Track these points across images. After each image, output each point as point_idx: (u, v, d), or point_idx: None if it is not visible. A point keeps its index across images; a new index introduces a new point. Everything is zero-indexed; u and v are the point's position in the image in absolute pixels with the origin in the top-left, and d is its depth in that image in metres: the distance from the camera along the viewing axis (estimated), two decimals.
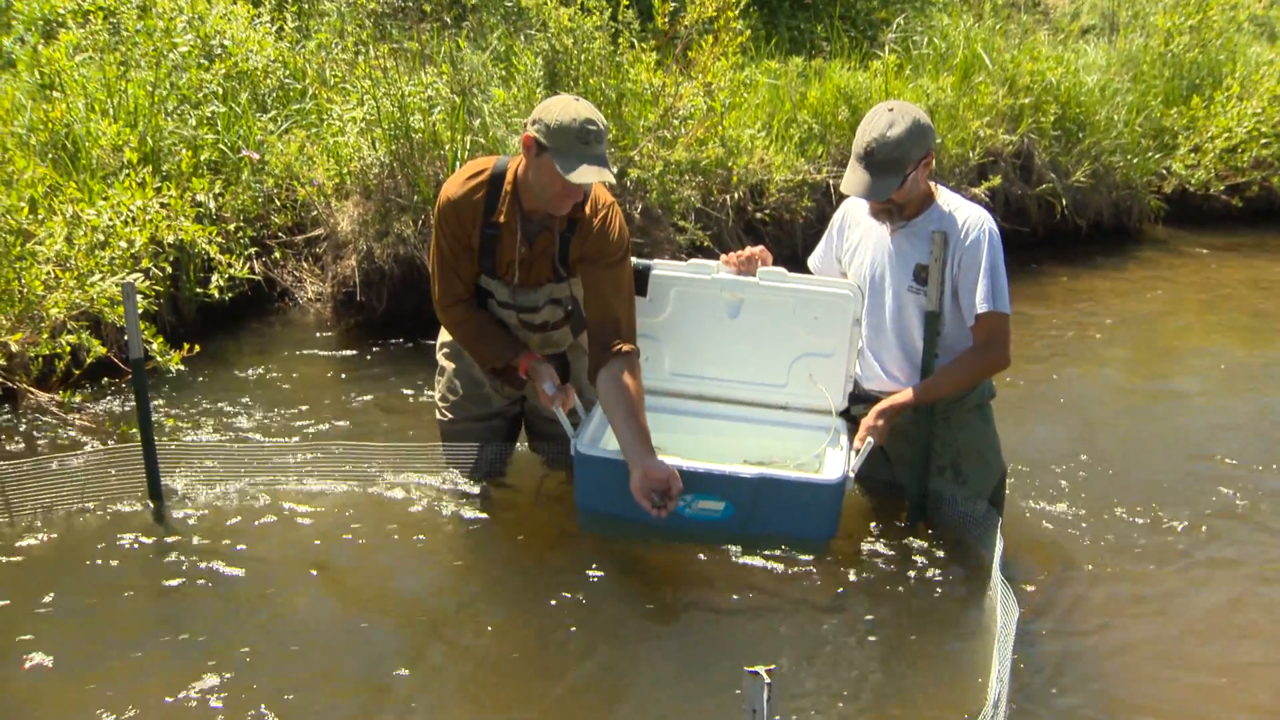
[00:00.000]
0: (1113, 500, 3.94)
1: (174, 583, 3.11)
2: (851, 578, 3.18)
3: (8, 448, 4.08)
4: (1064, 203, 7.74)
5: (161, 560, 3.23)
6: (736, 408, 3.63)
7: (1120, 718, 2.80)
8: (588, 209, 3.26)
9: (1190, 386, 5.43)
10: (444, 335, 3.65)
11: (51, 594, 3.01)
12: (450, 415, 3.64)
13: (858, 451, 3.30)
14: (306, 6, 7.25)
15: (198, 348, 4.36)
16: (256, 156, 5.77)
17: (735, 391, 3.62)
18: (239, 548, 3.27)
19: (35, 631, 2.85)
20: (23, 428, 4.26)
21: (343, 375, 5.09)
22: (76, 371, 4.43)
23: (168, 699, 2.63)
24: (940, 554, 3.29)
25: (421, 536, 3.38)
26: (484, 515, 3.48)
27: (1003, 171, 7.45)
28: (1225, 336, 6.23)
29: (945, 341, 3.29)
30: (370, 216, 5.56)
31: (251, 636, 2.88)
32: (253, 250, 5.66)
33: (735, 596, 3.10)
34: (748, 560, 3.20)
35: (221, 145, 5.77)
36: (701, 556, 3.21)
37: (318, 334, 5.64)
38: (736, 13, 6.02)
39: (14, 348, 4.24)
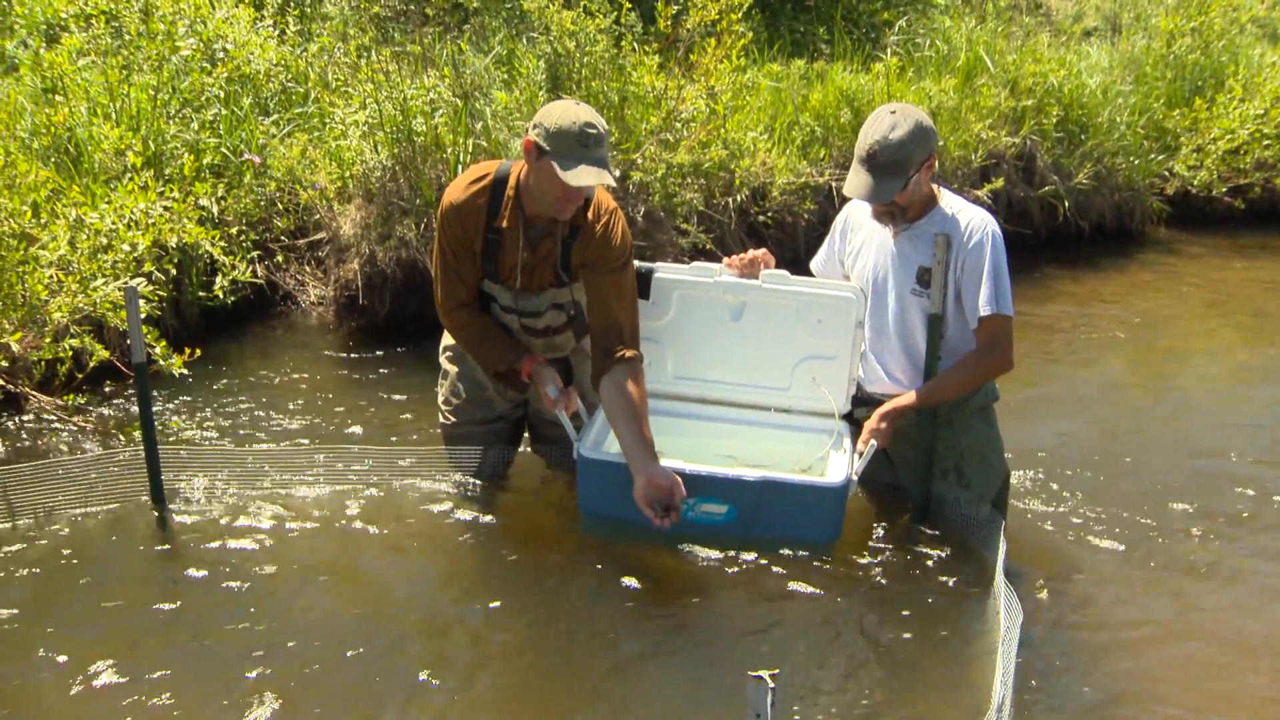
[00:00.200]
0: (1117, 502, 3.94)
1: (176, 586, 3.10)
2: (854, 581, 3.18)
3: (10, 451, 4.09)
4: (1066, 205, 7.74)
5: (163, 564, 3.23)
6: (739, 411, 3.63)
7: None
8: (590, 214, 3.25)
9: (1194, 388, 5.42)
10: (447, 339, 3.65)
11: (53, 598, 3.01)
12: (453, 419, 3.64)
13: (860, 454, 3.29)
14: (309, 10, 7.25)
15: (200, 351, 4.36)
16: (259, 160, 5.77)
17: (738, 394, 3.62)
18: (241, 551, 3.27)
19: (37, 635, 2.85)
20: (25, 431, 4.26)
21: (345, 379, 5.08)
22: (79, 375, 4.44)
23: (169, 702, 2.62)
24: (943, 557, 3.28)
25: (423, 540, 3.38)
26: (486, 518, 3.48)
27: (1005, 174, 7.45)
28: (1229, 338, 6.22)
29: (948, 344, 3.29)
30: (372, 220, 5.57)
31: (252, 640, 2.87)
32: (255, 254, 5.66)
33: (738, 600, 3.09)
34: (751, 564, 3.19)
35: (224, 149, 5.77)
36: (704, 560, 3.21)
37: (320, 338, 5.64)
38: (739, 15, 6.02)
39: (16, 350, 4.24)
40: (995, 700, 2.49)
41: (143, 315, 3.60)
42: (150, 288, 4.64)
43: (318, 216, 5.85)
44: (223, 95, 5.95)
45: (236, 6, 6.59)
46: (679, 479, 3.08)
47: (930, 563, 3.26)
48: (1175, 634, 3.20)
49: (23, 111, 5.35)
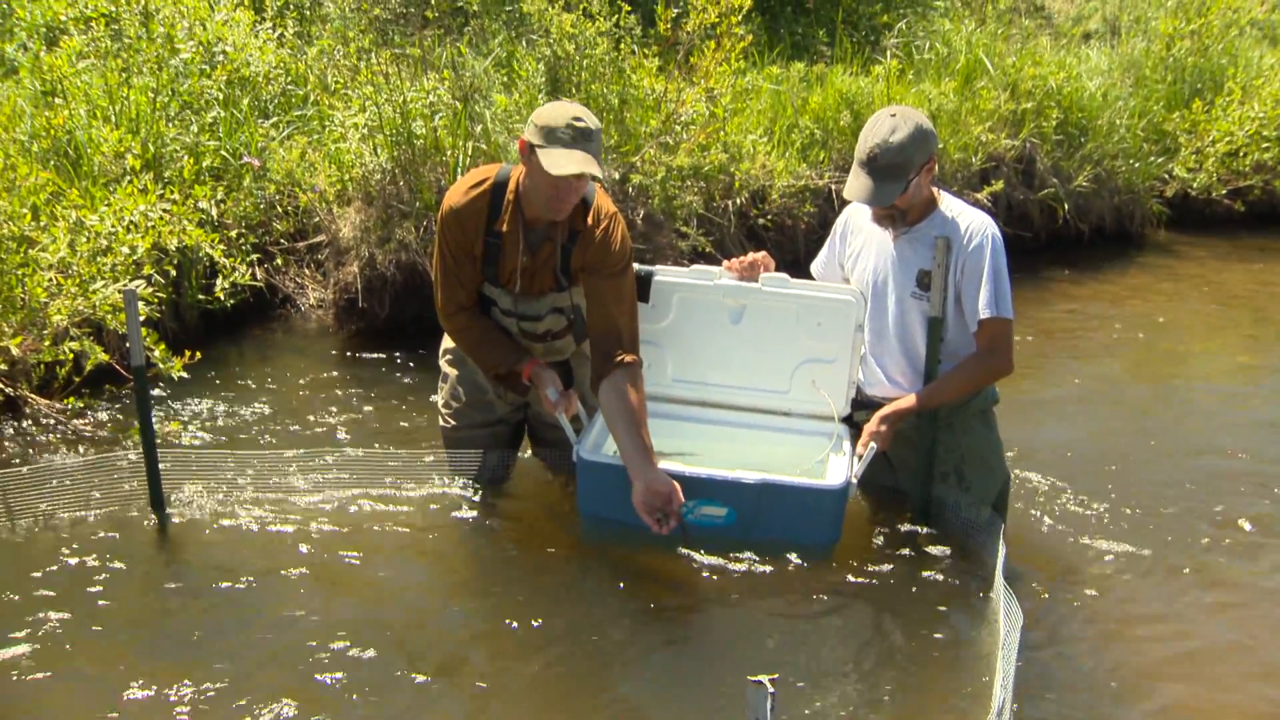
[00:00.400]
0: (1117, 506, 3.93)
1: (175, 590, 3.10)
2: (854, 584, 3.17)
3: (9, 455, 4.08)
4: (1066, 207, 7.74)
5: (162, 567, 3.23)
6: (739, 414, 3.62)
7: None
8: (590, 219, 3.25)
9: (1194, 389, 5.42)
10: (447, 342, 3.64)
11: (52, 601, 3.01)
12: (453, 422, 3.64)
13: (860, 457, 3.29)
14: (309, 13, 7.25)
15: (199, 354, 4.35)
16: (258, 163, 5.77)
17: (738, 397, 3.62)
18: (240, 555, 3.27)
19: (36, 639, 2.84)
20: (24, 435, 4.25)
21: (344, 382, 5.08)
22: (77, 379, 4.43)
23: (168, 706, 2.62)
24: (943, 560, 3.28)
25: (423, 543, 3.37)
26: (486, 522, 3.48)
27: (1005, 176, 7.45)
28: (1229, 340, 6.22)
29: (948, 347, 3.29)
30: (372, 223, 5.56)
31: (251, 644, 2.87)
32: (255, 257, 5.66)
33: (738, 603, 3.09)
34: (750, 567, 3.19)
35: (223, 152, 5.77)
36: (704, 563, 3.20)
37: (319, 341, 5.64)
38: (738, 18, 6.02)
39: (16, 354, 4.24)
40: (995, 704, 2.49)
41: (142, 318, 3.60)
42: (150, 289, 4.63)
43: (317, 219, 5.85)
44: (222, 98, 5.95)
45: (236, 9, 6.59)
46: (677, 485, 3.08)
47: (930, 566, 3.25)
48: (1176, 637, 3.20)
49: (22, 114, 5.35)
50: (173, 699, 2.64)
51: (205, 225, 5.09)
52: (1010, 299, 3.23)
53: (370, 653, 2.84)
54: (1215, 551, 3.68)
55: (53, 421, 4.33)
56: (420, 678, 2.76)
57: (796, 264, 4.81)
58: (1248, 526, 3.85)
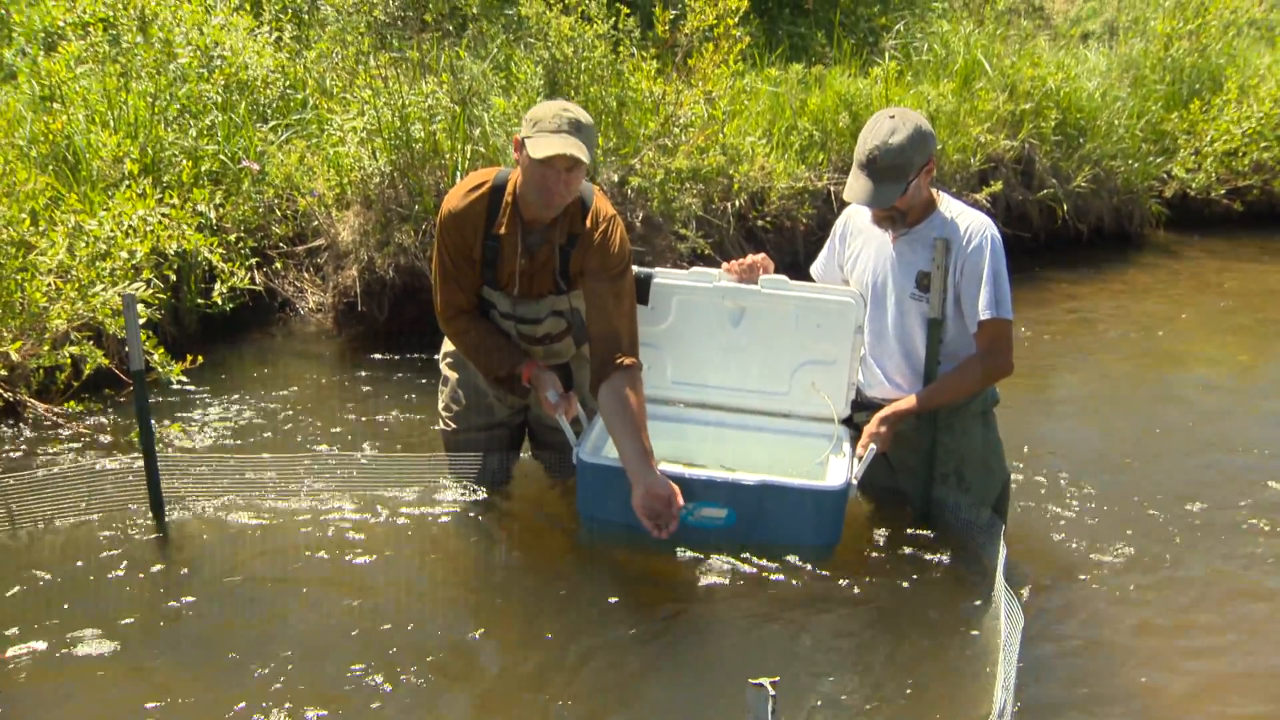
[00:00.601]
0: (1117, 506, 3.93)
1: (174, 594, 3.10)
2: (854, 586, 3.17)
3: (9, 460, 4.08)
4: (1065, 208, 7.74)
5: (162, 572, 3.22)
6: (739, 416, 3.62)
7: None
8: (588, 221, 3.25)
9: (1194, 391, 5.42)
10: (447, 345, 3.64)
11: (51, 606, 3.00)
12: (454, 425, 3.63)
13: (860, 459, 3.29)
14: (307, 16, 7.25)
15: (199, 359, 4.35)
16: (257, 167, 5.77)
17: (737, 399, 3.61)
18: (239, 558, 3.26)
19: (36, 643, 2.84)
20: (24, 440, 4.25)
21: (344, 385, 5.08)
22: (76, 383, 4.43)
23: (168, 709, 2.62)
24: (944, 561, 3.28)
25: (423, 547, 3.37)
26: (487, 525, 3.48)
27: (1004, 177, 7.45)
28: (1228, 340, 6.22)
29: (948, 348, 3.29)
30: (371, 226, 5.56)
31: (250, 648, 2.86)
32: (254, 261, 5.66)
33: (738, 606, 3.08)
34: (750, 569, 3.19)
35: (222, 156, 5.77)
36: (704, 565, 3.20)
37: (319, 344, 5.64)
38: (736, 20, 6.02)
39: (15, 356, 4.24)
40: (997, 706, 2.49)
41: (141, 322, 3.60)
42: (149, 291, 4.63)
43: (316, 223, 5.85)
44: (220, 102, 5.95)
45: (235, 13, 6.59)
46: (677, 489, 3.07)
47: (930, 567, 3.25)
48: (1178, 637, 3.20)
49: (21, 119, 5.35)
50: (172, 702, 2.64)
51: (204, 229, 5.10)
52: (1010, 300, 3.22)
53: (370, 655, 2.84)
54: (1216, 550, 3.68)
55: (53, 426, 4.33)
56: (420, 680, 2.76)
57: (795, 265, 4.81)
58: (1248, 526, 3.85)
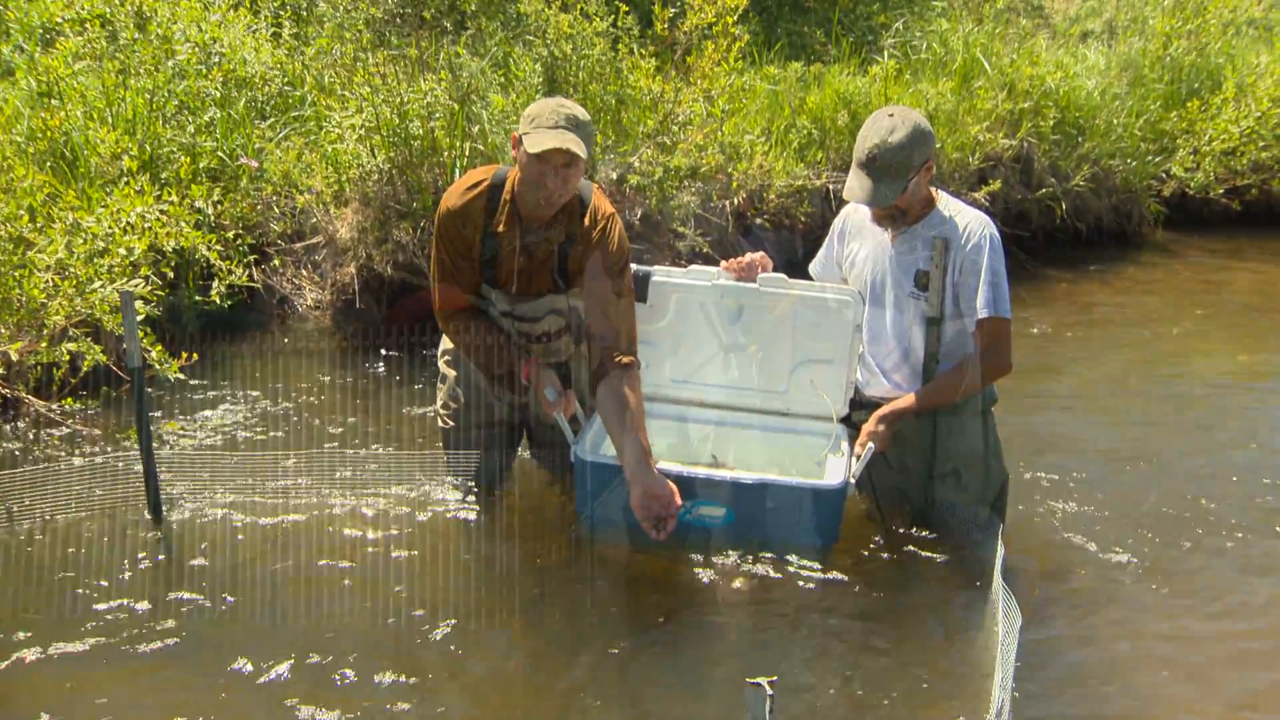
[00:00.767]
0: (1116, 506, 3.93)
1: (172, 592, 3.10)
2: (853, 585, 3.17)
3: (6, 457, 4.07)
4: (1064, 207, 7.74)
5: (160, 569, 3.22)
6: (737, 414, 3.62)
7: None
8: (587, 219, 3.25)
9: (1192, 390, 5.42)
10: (445, 343, 3.64)
11: (49, 603, 3.00)
12: (452, 423, 3.63)
13: (859, 457, 3.29)
14: (305, 14, 7.24)
15: (197, 356, 4.35)
16: (255, 164, 5.76)
17: (736, 398, 3.61)
18: (238, 556, 3.26)
19: (34, 642, 2.84)
20: (21, 437, 4.24)
21: (342, 383, 5.08)
22: (74, 380, 4.42)
23: (166, 707, 2.62)
24: (942, 561, 3.28)
25: (421, 544, 3.37)
26: (485, 522, 3.48)
27: (1003, 176, 7.45)
28: (1227, 339, 6.22)
29: (946, 347, 3.29)
30: (369, 223, 5.56)
31: (248, 645, 2.86)
32: (251, 258, 5.65)
33: (736, 605, 3.08)
34: (748, 567, 3.19)
35: (220, 153, 5.76)
36: (702, 563, 3.20)
37: (317, 341, 5.63)
38: (735, 18, 6.02)
39: (14, 356, 4.23)
40: (994, 705, 2.48)
41: (140, 319, 3.59)
42: (147, 288, 4.62)
43: (314, 220, 5.84)
44: (219, 98, 5.95)
45: (235, 8, 6.58)
46: (675, 489, 3.07)
47: (929, 567, 3.25)
48: (1177, 637, 3.20)
49: (19, 115, 5.34)
50: (170, 700, 2.64)
51: (202, 226, 5.09)
52: (1009, 298, 3.22)
53: (368, 653, 2.83)
54: (1215, 550, 3.68)
55: (50, 423, 4.32)
56: (418, 678, 2.76)
57: (794, 264, 4.80)
58: (1247, 526, 3.85)
